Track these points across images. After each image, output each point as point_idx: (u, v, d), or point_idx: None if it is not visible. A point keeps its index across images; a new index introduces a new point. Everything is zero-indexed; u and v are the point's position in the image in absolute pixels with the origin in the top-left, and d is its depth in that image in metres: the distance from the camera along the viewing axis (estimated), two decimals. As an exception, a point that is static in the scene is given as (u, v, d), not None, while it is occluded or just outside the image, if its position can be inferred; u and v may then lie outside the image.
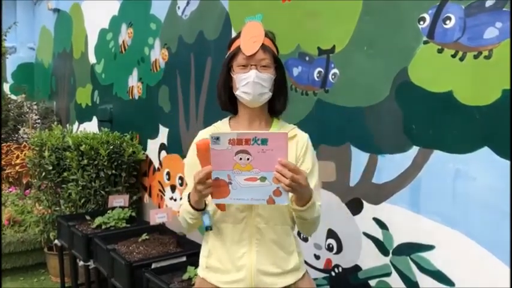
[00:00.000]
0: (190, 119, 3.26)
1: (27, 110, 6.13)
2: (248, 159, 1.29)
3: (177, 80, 3.42)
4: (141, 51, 3.93)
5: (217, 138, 1.28)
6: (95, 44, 4.94)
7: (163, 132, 3.65)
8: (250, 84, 1.50)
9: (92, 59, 5.02)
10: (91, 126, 4.97)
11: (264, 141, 1.27)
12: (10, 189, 5.12)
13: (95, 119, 4.97)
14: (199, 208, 1.49)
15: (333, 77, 2.14)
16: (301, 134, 1.62)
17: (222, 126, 1.67)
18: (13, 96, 6.39)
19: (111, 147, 3.70)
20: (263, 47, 1.53)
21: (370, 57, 1.98)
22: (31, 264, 4.30)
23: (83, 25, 5.25)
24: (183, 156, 2.83)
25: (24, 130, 5.81)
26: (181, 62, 3.37)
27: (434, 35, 1.73)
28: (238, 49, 1.55)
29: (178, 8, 3.37)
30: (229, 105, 1.64)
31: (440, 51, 1.71)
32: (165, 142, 3.64)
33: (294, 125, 1.69)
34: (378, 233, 1.96)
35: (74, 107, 5.59)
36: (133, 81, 4.12)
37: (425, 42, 1.76)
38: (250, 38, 1.54)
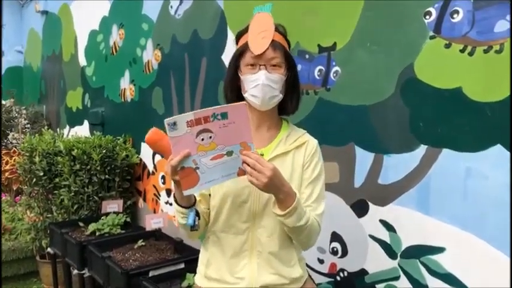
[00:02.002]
0: (186, 121, 3.17)
1: (16, 114, 5.98)
2: (210, 137, 1.23)
3: (171, 81, 3.34)
4: (133, 53, 3.84)
5: (174, 124, 1.20)
6: (85, 45, 4.83)
7: (158, 135, 3.55)
8: (260, 87, 1.39)
9: (82, 61, 4.91)
10: (82, 130, 4.87)
11: (224, 115, 1.20)
12: (0, 196, 4.98)
13: (86, 123, 4.86)
14: (187, 205, 1.39)
15: (335, 75, 2.08)
16: (311, 141, 1.53)
17: None
18: (3, 102, 6.24)
19: (104, 151, 3.60)
20: (273, 43, 1.41)
21: (374, 54, 1.92)
22: (23, 273, 4.19)
23: (73, 27, 5.14)
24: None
25: (13, 135, 5.68)
26: (175, 62, 3.29)
27: (441, 29, 1.67)
28: (246, 46, 1.43)
29: (171, 7, 3.29)
30: None
31: (448, 46, 1.65)
32: (160, 145, 3.54)
33: (295, 126, 1.60)
34: (385, 235, 1.90)
35: (64, 111, 5.48)
36: (125, 83, 4.02)
37: (432, 37, 1.70)
38: (258, 33, 1.42)
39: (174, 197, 1.39)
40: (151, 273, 2.43)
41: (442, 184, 1.69)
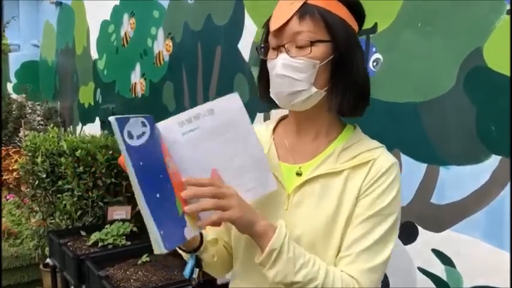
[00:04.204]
0: (198, 120, 2.83)
1: (30, 110, 5.76)
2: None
3: (182, 74, 3.00)
4: (144, 43, 3.52)
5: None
6: (97, 37, 4.54)
7: (169, 135, 3.22)
8: (273, 78, 0.97)
9: (94, 54, 4.62)
10: (94, 128, 4.57)
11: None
12: (8, 197, 4.74)
13: (97, 120, 4.57)
14: (187, 249, 1.04)
15: (375, 64, 1.71)
16: (381, 159, 1.00)
17: (263, 133, 1.11)
18: (14, 96, 6.03)
19: (111, 152, 3.28)
20: (301, 10, 0.92)
21: (427, 37, 1.53)
22: (27, 281, 3.91)
23: (85, 17, 4.86)
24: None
25: (23, 132, 5.44)
26: (187, 52, 2.96)
27: (523, 0, 1.27)
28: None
29: (183, -10, 2.94)
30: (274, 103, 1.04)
31: (533, 23, 1.24)
32: (171, 145, 3.21)
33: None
34: (439, 270, 1.52)
35: (77, 107, 5.20)
36: (136, 77, 3.71)
37: (510, 12, 1.30)
38: None
39: None
40: (152, 298, 2.09)
41: (521, 208, 1.29)
